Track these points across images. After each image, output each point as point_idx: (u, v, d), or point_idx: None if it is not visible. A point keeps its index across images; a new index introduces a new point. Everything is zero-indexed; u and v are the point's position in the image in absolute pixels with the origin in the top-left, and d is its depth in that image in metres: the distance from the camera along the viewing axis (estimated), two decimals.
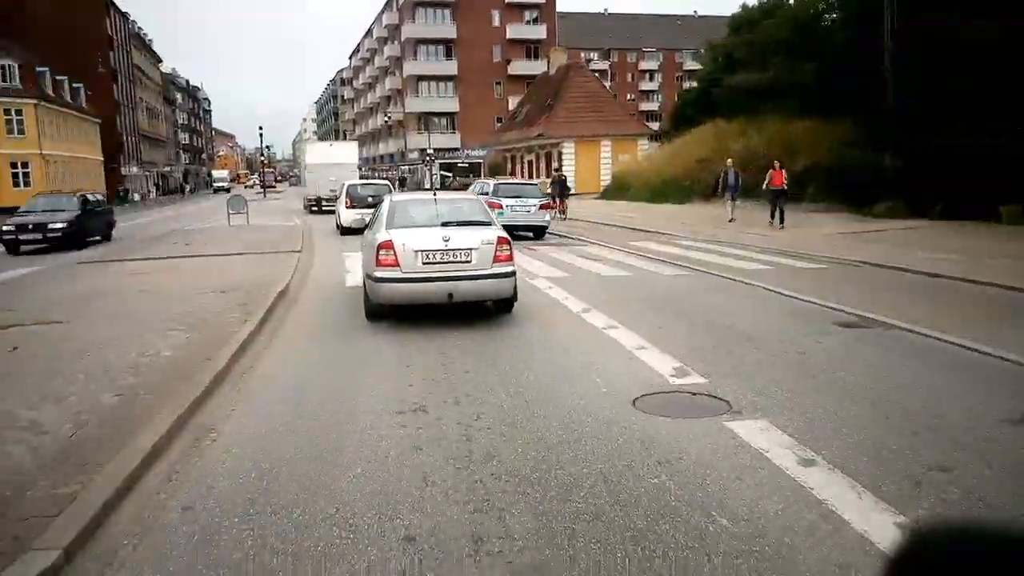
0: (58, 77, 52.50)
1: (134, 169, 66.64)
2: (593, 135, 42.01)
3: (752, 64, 33.50)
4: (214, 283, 11.47)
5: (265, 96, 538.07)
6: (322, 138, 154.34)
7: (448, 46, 68.47)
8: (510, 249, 8.39)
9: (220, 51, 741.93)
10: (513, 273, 8.36)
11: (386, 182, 27.01)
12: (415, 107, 68.63)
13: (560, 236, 19.76)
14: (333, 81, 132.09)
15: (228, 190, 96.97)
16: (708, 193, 30.01)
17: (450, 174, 68.03)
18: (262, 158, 77.84)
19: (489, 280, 8.16)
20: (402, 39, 69.82)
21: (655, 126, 62.98)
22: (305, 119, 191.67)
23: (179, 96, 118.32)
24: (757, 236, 17.17)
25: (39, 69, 48.82)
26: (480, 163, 67.45)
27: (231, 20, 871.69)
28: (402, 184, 66.62)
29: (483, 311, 8.87)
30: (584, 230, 20.86)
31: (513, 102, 68.28)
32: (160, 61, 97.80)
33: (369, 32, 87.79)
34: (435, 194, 9.76)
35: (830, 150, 23.97)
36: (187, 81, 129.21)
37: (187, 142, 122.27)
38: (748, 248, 15.11)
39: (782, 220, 18.54)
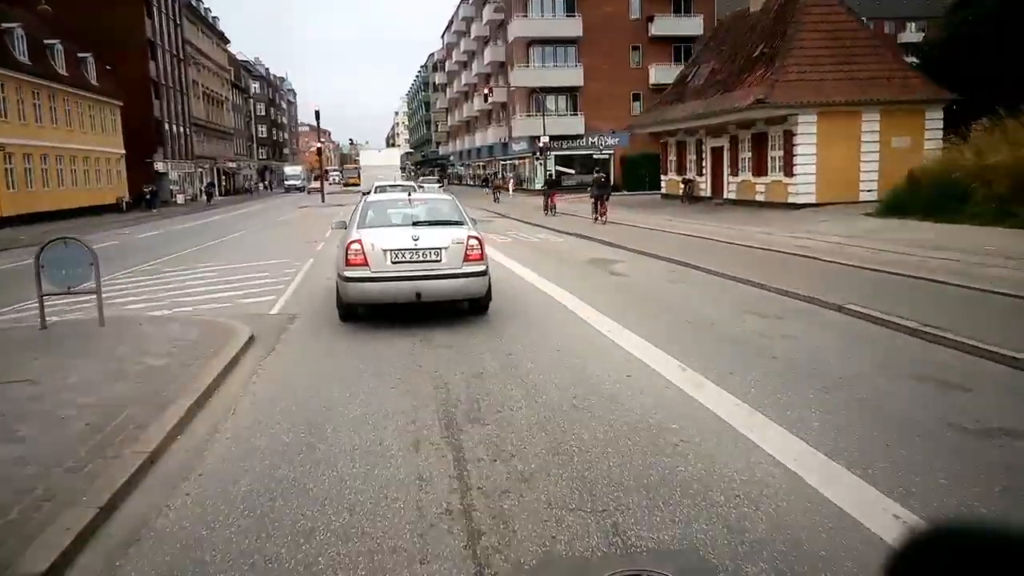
0: (47, 41, 38.45)
1: (160, 166, 52.35)
2: (848, 103, 23.95)
3: None
4: None
5: (362, 90, 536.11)
6: (412, 130, 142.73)
7: None
8: (481, 248, 8.30)
9: (317, 46, 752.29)
10: (485, 272, 8.31)
11: (411, 183, 30.53)
12: (524, 80, 51.32)
13: None
14: (424, 67, 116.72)
15: (301, 189, 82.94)
16: None
17: (571, 170, 50.73)
18: (317, 145, 62.64)
19: (459, 280, 8.14)
20: None
21: None
22: (397, 112, 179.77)
23: (255, 85, 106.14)
24: None
25: (6, 25, 34.56)
26: (611, 155, 49.87)
27: (334, 13, 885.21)
28: (486, 184, 50.47)
29: None
30: None
31: (655, 73, 50.17)
32: (227, 42, 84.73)
33: None
34: (409, 195, 10.12)
35: None
36: (267, 69, 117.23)
37: (264, 136, 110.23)
38: None
39: None
